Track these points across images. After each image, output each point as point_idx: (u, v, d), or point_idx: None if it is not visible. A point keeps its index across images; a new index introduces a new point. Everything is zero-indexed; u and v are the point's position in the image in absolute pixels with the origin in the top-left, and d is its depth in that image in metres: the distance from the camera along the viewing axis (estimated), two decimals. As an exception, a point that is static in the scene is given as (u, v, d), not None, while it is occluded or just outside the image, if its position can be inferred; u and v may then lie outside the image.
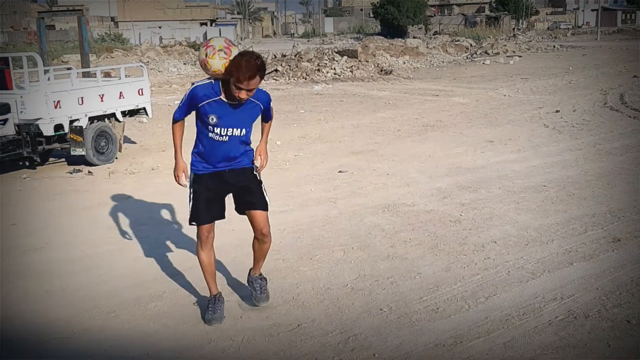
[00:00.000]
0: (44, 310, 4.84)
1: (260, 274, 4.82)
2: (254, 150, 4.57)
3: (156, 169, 9.68)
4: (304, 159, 10.19)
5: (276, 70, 24.98)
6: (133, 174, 9.30)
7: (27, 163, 9.67)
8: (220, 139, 4.31)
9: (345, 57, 26.87)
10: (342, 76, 24.65)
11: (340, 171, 9.11)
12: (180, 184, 4.57)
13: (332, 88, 21.14)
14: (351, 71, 25.46)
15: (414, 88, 20.49)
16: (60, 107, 9.38)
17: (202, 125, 4.33)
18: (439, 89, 20.05)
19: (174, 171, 4.61)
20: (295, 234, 6.43)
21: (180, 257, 5.88)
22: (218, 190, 4.50)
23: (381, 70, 26.10)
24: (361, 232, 6.43)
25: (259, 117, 4.52)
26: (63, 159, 10.37)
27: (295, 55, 26.82)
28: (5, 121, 9.05)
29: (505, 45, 37.32)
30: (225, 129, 4.28)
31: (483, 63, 30.41)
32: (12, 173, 9.43)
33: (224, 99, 4.23)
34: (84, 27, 11.85)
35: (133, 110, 10.78)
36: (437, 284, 5.08)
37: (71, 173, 9.37)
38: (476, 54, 35.28)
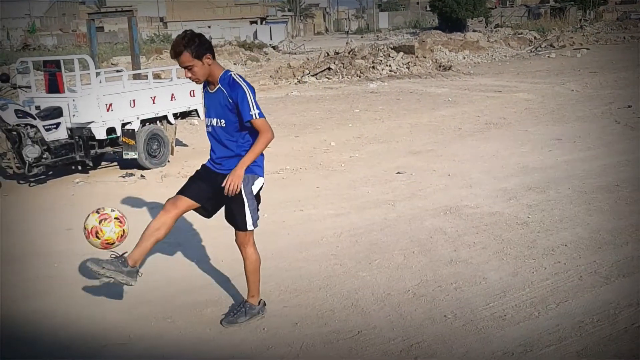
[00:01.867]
0: (101, 316, 4.97)
1: (245, 301, 4.78)
2: None
3: (209, 172, 9.81)
4: (359, 160, 10.20)
5: (329, 69, 25.04)
6: (185, 177, 9.42)
7: (79, 167, 9.95)
8: (208, 129, 4.52)
9: (402, 53, 26.74)
10: (398, 73, 24.54)
11: (398, 172, 9.10)
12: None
13: (387, 86, 21.09)
14: (408, 68, 25.32)
15: (474, 84, 20.28)
16: (112, 110, 9.62)
17: None
18: (501, 84, 19.80)
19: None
20: (353, 238, 6.45)
21: (234, 262, 5.93)
22: (211, 185, 4.51)
23: (439, 66, 25.90)
24: (422, 235, 6.41)
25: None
26: (115, 163, 10.62)
27: (349, 53, 26.81)
28: (57, 125, 9.32)
29: (571, 38, 36.56)
30: (209, 119, 4.48)
31: (548, 57, 29.90)
32: (65, 177, 9.71)
33: (208, 88, 4.48)
34: (135, 28, 12.12)
35: (185, 112, 10.97)
36: (504, 290, 5.03)
37: (123, 177, 9.60)
38: (541, 47, 34.69)
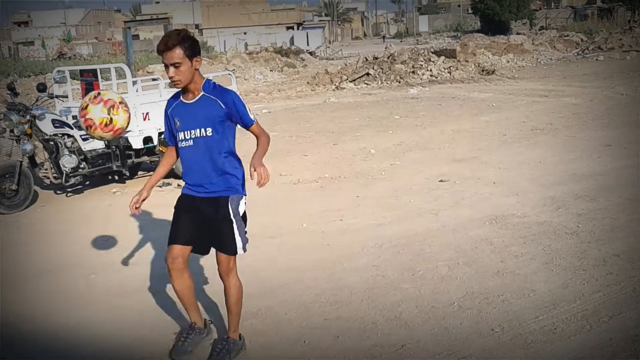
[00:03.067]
0: (137, 328, 5.02)
1: (227, 337, 4.48)
2: (242, 171, 4.38)
3: (245, 180, 9.87)
4: (401, 168, 10.17)
5: (368, 74, 25.04)
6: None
7: (116, 177, 10.10)
8: (187, 144, 4.19)
9: (443, 58, 26.64)
10: (439, 78, 24.44)
11: (441, 180, 9.04)
12: (130, 209, 4.41)
13: (428, 91, 21.00)
14: (449, 72, 25.21)
15: (519, 88, 20.10)
16: (149, 119, 9.75)
17: (175, 136, 4.29)
18: (547, 88, 19.58)
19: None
20: (395, 249, 6.43)
21: (274, 273, 5.98)
22: (195, 217, 4.33)
23: (482, 70, 25.74)
24: (467, 246, 6.36)
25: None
26: (152, 172, 10.74)
27: (388, 57, 26.79)
28: (94, 135, 9.48)
29: (620, 40, 35.99)
30: (189, 131, 4.18)
31: (596, 59, 29.51)
32: (101, 187, 9.85)
33: (183, 99, 4.22)
34: (171, 36, 12.26)
35: (221, 120, 11.05)
36: (553, 302, 4.96)
37: (160, 186, 9.70)
38: (588, 49, 34.24)
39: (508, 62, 29.64)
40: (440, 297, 5.20)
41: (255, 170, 4.02)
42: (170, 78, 4.07)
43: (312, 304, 5.24)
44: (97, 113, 4.01)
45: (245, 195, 4.43)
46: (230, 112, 4.14)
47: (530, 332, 4.52)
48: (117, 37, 67.74)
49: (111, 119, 4.01)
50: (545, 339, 4.42)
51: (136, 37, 66.54)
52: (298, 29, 76.70)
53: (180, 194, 4.43)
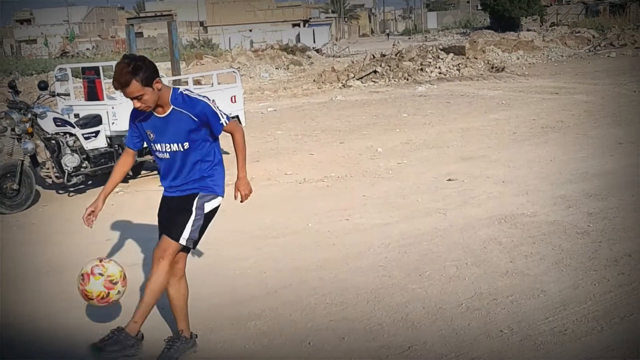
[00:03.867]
0: (142, 329, 5.01)
1: (179, 332, 4.52)
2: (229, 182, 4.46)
3: (250, 180, 9.79)
4: (408, 167, 10.16)
5: (375, 72, 25.01)
6: (227, 185, 9.52)
7: (119, 177, 10.09)
8: (164, 155, 4.26)
9: (452, 55, 26.59)
10: (448, 75, 24.40)
11: (449, 179, 9.03)
12: (84, 222, 4.44)
13: (437, 89, 20.97)
14: (458, 69, 25.16)
15: (530, 86, 20.05)
16: (151, 118, 9.74)
17: (149, 146, 4.36)
18: (558, 86, 19.52)
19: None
20: (402, 249, 6.42)
21: (279, 274, 5.98)
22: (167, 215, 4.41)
23: (492, 68, 25.68)
24: (475, 246, 6.34)
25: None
26: (155, 172, 10.75)
27: (396, 55, 26.75)
28: (97, 133, 9.50)
29: (633, 36, 35.84)
30: (162, 145, 4.22)
31: (608, 56, 29.40)
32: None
33: (154, 112, 4.19)
34: (174, 33, 12.27)
35: (226, 118, 11.04)
36: (564, 303, 4.94)
37: (163, 186, 9.71)
38: (600, 46, 34.12)
39: (518, 59, 29.54)
40: (448, 298, 5.19)
41: (238, 189, 4.47)
42: (136, 109, 4.11)
43: (317, 305, 5.23)
44: (96, 287, 4.11)
45: (220, 197, 4.43)
46: (203, 123, 4.18)
47: (540, 334, 4.50)
48: (120, 35, 67.87)
49: (108, 292, 4.11)
50: (555, 340, 4.40)
51: (140, 34, 66.66)
52: (304, 26, 76.65)
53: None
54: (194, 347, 4.55)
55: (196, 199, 4.29)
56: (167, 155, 4.24)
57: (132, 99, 4.01)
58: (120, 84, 3.94)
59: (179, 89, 4.24)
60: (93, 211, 4.40)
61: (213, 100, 4.27)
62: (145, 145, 4.38)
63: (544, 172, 9.13)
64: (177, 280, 4.45)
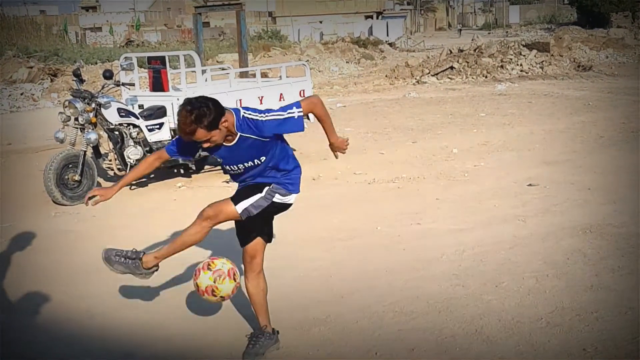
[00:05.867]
0: (203, 331, 5.09)
1: (263, 328, 4.69)
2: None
3: (317, 179, 9.92)
4: (485, 170, 10.03)
5: (451, 68, 24.82)
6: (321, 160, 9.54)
7: (182, 171, 10.26)
8: (236, 171, 4.39)
9: (535, 51, 26.17)
10: (530, 73, 24.05)
11: (530, 184, 8.87)
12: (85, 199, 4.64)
13: (518, 87, 20.68)
14: (541, 67, 24.76)
15: (619, 86, 19.57)
16: (217, 111, 9.85)
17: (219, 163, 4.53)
18: (651, 87, 19.02)
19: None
20: (477, 257, 6.33)
21: (345, 278, 5.97)
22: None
23: (578, 66, 25.17)
24: (557, 256, 6.21)
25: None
26: (219, 167, 10.88)
27: (475, 50, 26.47)
28: (161, 125, 9.66)
29: None
30: (235, 165, 4.34)
31: None
32: (167, 181, 10.04)
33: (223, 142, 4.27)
34: (243, 23, 12.43)
35: (293, 113, 11.08)
36: (654, 322, 4.80)
37: (227, 182, 9.78)
38: (699, 44, 33.02)
39: (607, 57, 28.85)
40: (526, 312, 5.09)
41: (339, 150, 4.69)
42: (206, 149, 4.22)
43: (386, 312, 5.21)
44: (204, 280, 4.33)
45: (294, 194, 4.49)
46: (274, 137, 4.24)
47: (627, 354, 4.38)
48: (186, 25, 68.92)
49: (217, 286, 4.32)
50: (643, 362, 4.28)
51: (206, 24, 67.58)
52: (377, 18, 76.44)
53: None
54: (277, 344, 4.67)
55: (269, 185, 4.36)
56: (240, 170, 4.36)
57: (201, 142, 4.10)
58: (186, 133, 4.03)
59: (239, 111, 4.23)
60: (100, 200, 4.56)
61: (268, 111, 4.26)
62: None
63: (633, 179, 8.88)
64: (256, 275, 4.59)
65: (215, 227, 4.39)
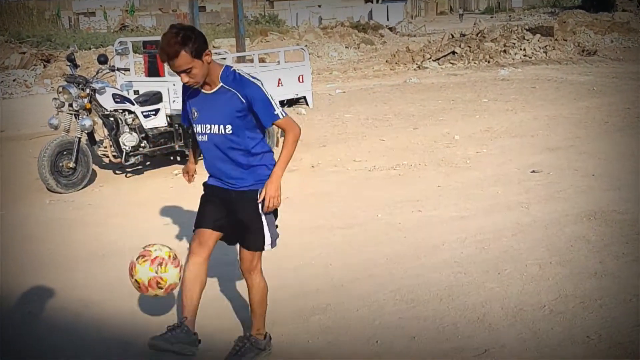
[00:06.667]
0: (201, 321, 5.09)
1: (250, 335, 4.46)
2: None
3: (316, 166, 9.93)
4: (488, 156, 10.04)
5: (453, 53, 24.79)
6: (292, 171, 9.57)
7: (178, 158, 10.26)
8: (202, 138, 4.16)
9: (538, 36, 26.16)
10: (533, 58, 24.04)
11: (533, 171, 8.89)
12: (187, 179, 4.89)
13: (521, 72, 20.67)
14: (545, 52, 24.76)
15: (624, 71, 19.56)
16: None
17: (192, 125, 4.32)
18: (657, 72, 19.02)
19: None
20: (479, 244, 6.36)
21: (345, 266, 5.99)
22: (222, 204, 4.28)
23: (583, 51, 25.18)
24: (561, 243, 6.24)
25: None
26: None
27: (477, 35, 26.45)
28: (157, 111, 9.64)
29: None
30: (203, 125, 4.14)
31: None
32: (163, 168, 10.04)
33: (202, 89, 4.11)
34: (240, 7, 12.38)
35: (292, 99, 11.09)
36: (659, 310, 4.83)
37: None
38: None
39: (612, 42, 28.83)
40: (529, 299, 5.12)
41: (266, 187, 4.13)
42: (184, 83, 4.04)
43: (386, 301, 5.23)
44: (145, 273, 4.01)
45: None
46: (249, 108, 4.06)
47: (631, 342, 4.40)
48: (182, 9, 68.73)
49: (161, 277, 4.01)
50: (648, 349, 4.31)
51: (202, 9, 67.35)
52: (377, 2, 76.18)
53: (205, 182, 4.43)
54: (268, 350, 4.53)
55: (258, 199, 4.15)
56: (205, 138, 4.13)
57: (180, 72, 3.91)
58: (168, 55, 3.84)
59: (231, 67, 4.15)
60: (187, 172, 4.81)
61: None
62: None
63: (638, 166, 8.90)
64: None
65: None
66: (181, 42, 3.81)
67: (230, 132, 4.07)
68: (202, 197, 4.42)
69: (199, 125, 4.15)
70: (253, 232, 4.21)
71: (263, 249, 4.27)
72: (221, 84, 4.05)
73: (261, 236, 4.21)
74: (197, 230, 4.32)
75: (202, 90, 4.10)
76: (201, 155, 4.36)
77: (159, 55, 3.99)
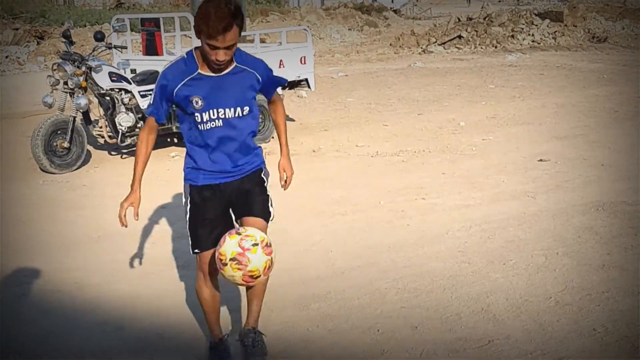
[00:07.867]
0: (197, 305, 5.11)
1: (254, 328, 4.31)
2: (278, 164, 4.36)
3: (317, 150, 9.94)
4: (494, 144, 10.04)
5: (459, 37, 24.73)
6: (292, 155, 9.53)
7: (175, 140, 10.27)
8: (214, 124, 3.83)
9: (547, 21, 26.07)
10: (542, 44, 23.97)
11: (540, 160, 8.90)
12: (121, 221, 4.09)
13: (529, 58, 20.63)
14: (554, 38, 24.69)
15: (635, 59, 19.51)
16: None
17: (189, 119, 3.89)
18: (669, 60, 18.99)
19: (122, 201, 4.08)
20: (484, 233, 6.37)
21: (346, 254, 6.01)
22: (223, 208, 4.10)
23: (593, 37, 25.09)
24: (568, 234, 6.25)
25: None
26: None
27: (484, 19, 26.38)
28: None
29: None
30: (216, 111, 3.82)
31: None
32: (160, 150, 10.03)
33: (204, 72, 3.81)
34: (241, -15, 12.33)
35: (293, 82, 11.07)
36: (667, 303, 4.85)
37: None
38: None
39: (623, 28, 28.69)
40: (535, 290, 5.14)
41: (285, 170, 4.38)
42: (218, 63, 3.71)
43: (388, 289, 5.25)
44: (229, 247, 3.66)
45: None
46: (265, 85, 3.99)
47: (638, 335, 4.42)
48: (180, -13, 68.43)
49: (246, 255, 3.64)
50: (656, 343, 4.33)
51: (201, -13, 67.05)
52: (382, -17, 76.08)
53: (189, 188, 4.08)
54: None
55: (264, 176, 4.14)
56: (219, 124, 3.84)
57: (223, 48, 3.61)
58: (224, 28, 3.53)
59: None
60: (133, 204, 4.05)
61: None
62: None
63: (649, 156, 8.93)
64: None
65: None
66: (233, 15, 3.57)
67: (247, 112, 3.90)
68: (193, 208, 4.07)
69: (208, 112, 3.80)
70: (260, 201, 4.10)
71: (269, 220, 4.15)
72: (235, 63, 3.84)
73: (267, 205, 4.13)
74: (199, 255, 4.12)
75: (206, 73, 3.80)
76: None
77: (211, 28, 3.54)
